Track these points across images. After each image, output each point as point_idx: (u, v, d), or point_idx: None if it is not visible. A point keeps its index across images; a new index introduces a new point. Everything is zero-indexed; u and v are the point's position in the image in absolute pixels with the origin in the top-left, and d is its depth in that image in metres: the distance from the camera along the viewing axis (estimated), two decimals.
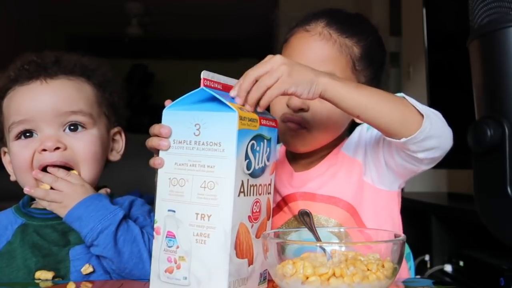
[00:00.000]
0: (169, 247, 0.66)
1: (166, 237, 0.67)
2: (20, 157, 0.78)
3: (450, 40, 2.08)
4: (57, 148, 0.77)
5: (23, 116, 0.78)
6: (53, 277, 0.76)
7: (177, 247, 0.65)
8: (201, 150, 0.66)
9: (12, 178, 0.84)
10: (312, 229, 0.68)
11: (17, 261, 0.78)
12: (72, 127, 0.80)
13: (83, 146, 0.80)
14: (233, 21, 5.75)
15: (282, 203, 0.94)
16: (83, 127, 0.81)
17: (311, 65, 0.75)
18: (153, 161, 0.70)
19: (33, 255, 0.78)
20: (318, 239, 0.67)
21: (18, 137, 0.79)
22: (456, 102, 1.93)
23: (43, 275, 0.75)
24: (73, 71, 0.83)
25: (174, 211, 0.66)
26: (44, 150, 0.77)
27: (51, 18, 5.47)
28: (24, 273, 0.77)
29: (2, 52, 4.20)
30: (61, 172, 0.76)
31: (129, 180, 1.87)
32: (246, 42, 6.62)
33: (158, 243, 0.67)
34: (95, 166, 0.82)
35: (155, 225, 0.68)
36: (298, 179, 0.94)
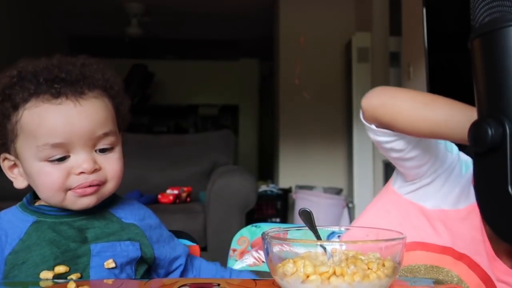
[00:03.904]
0: None
1: None
2: (52, 178, 0.77)
3: (450, 40, 2.08)
4: (94, 170, 0.78)
5: (58, 139, 0.76)
6: (70, 272, 0.76)
7: None
8: None
9: (17, 185, 0.83)
10: (313, 228, 0.68)
11: (34, 257, 0.78)
12: (102, 148, 0.80)
13: (113, 165, 0.81)
14: (233, 21, 5.75)
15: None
16: (112, 147, 0.81)
17: None
18: None
19: (52, 251, 0.78)
20: (318, 237, 0.67)
21: (50, 159, 0.77)
22: None
23: (62, 270, 0.76)
24: (95, 85, 0.81)
25: None
26: (82, 172, 0.77)
27: (51, 18, 5.48)
28: (43, 268, 0.77)
29: (2, 51, 4.21)
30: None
31: (129, 180, 1.87)
32: (246, 42, 6.63)
33: None
34: (120, 179, 0.83)
35: None
36: None
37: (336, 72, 4.41)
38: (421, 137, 0.81)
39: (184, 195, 2.73)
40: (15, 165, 0.82)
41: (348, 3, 4.51)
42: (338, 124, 4.39)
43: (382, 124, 0.82)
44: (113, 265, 0.78)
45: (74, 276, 0.76)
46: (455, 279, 0.88)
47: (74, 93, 0.78)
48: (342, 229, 0.76)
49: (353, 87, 4.00)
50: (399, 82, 3.40)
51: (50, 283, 0.71)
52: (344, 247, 0.60)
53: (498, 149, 0.48)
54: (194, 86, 7.59)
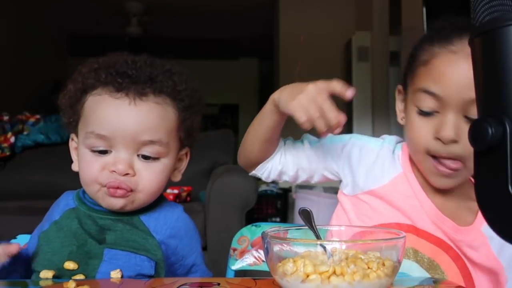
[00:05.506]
0: None
1: None
2: (89, 168, 0.78)
3: None
4: (127, 173, 0.77)
5: (104, 131, 0.76)
6: (77, 270, 0.76)
7: None
8: None
9: (73, 167, 0.83)
10: (312, 227, 0.68)
11: (55, 244, 0.78)
12: (145, 155, 0.79)
13: (151, 175, 0.79)
14: (233, 21, 5.75)
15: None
16: (157, 158, 0.80)
17: (459, 90, 0.80)
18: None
19: (71, 243, 0.78)
20: (318, 237, 0.67)
21: (92, 149, 0.78)
22: None
23: (70, 266, 0.75)
24: (162, 91, 0.80)
25: None
26: (114, 171, 0.76)
27: (51, 17, 5.48)
28: (57, 259, 0.77)
29: (1, 50, 4.21)
30: None
31: None
32: (246, 42, 6.63)
33: None
34: (156, 193, 0.81)
35: None
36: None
37: (336, 71, 4.40)
38: (268, 144, 0.97)
39: (184, 194, 2.73)
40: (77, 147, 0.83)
41: (348, 2, 4.51)
42: None
43: (255, 163, 1.00)
44: (119, 275, 0.75)
45: (77, 277, 0.74)
46: (410, 251, 0.90)
47: (135, 92, 0.78)
48: (342, 228, 0.76)
49: (353, 86, 3.99)
50: (399, 81, 3.40)
51: (50, 283, 0.71)
52: (344, 247, 0.60)
53: (499, 148, 0.48)
54: None
